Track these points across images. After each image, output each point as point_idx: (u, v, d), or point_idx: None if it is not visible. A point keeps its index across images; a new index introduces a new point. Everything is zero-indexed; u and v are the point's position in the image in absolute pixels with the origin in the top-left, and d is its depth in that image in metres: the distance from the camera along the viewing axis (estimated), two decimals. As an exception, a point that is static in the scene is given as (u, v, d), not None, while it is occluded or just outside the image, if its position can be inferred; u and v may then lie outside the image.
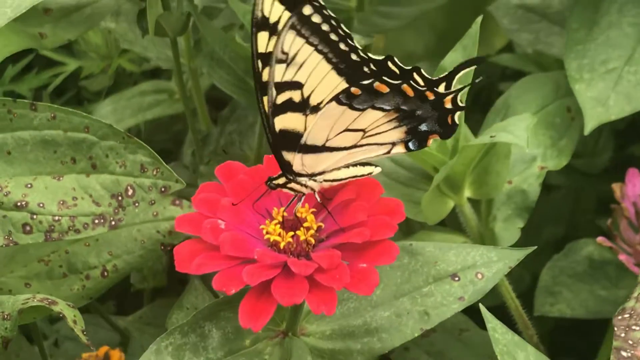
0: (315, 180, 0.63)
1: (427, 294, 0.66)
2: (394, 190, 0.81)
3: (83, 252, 0.81)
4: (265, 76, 0.62)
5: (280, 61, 0.61)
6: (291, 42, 0.61)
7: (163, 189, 0.70)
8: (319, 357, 0.66)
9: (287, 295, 0.58)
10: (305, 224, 0.62)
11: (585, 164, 1.11)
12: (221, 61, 0.91)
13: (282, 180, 0.63)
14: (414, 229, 0.87)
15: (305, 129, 0.62)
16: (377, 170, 0.64)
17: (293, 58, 0.61)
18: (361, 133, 0.62)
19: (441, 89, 0.62)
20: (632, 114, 1.10)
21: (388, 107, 0.62)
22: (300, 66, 0.61)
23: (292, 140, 0.62)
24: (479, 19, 0.77)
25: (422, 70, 0.62)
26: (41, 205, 0.69)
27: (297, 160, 0.63)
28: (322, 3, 0.61)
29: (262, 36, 0.62)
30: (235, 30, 0.97)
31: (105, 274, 0.81)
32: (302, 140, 0.62)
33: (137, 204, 0.70)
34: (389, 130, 0.63)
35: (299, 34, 0.61)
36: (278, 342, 0.66)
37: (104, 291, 0.82)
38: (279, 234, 0.61)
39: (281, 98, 0.62)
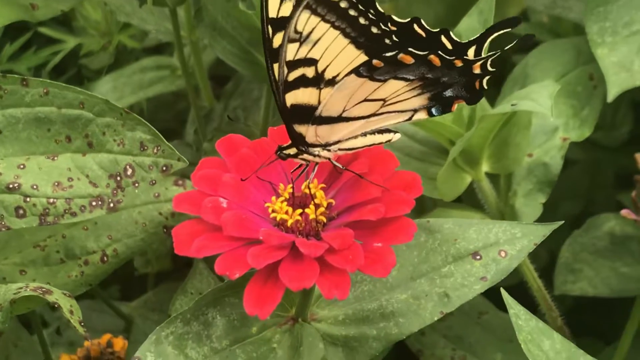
0: (329, 150, 0.60)
1: (446, 275, 0.62)
2: (408, 166, 0.77)
3: (81, 236, 0.78)
4: (276, 43, 0.58)
5: (293, 40, 0.58)
6: (305, 21, 0.58)
7: (164, 168, 0.67)
8: (331, 344, 0.62)
9: (296, 279, 0.54)
10: (314, 201, 0.58)
11: (604, 137, 1.09)
12: (223, 31, 0.87)
13: (293, 151, 0.59)
14: (429, 207, 0.83)
15: (319, 102, 0.59)
16: (397, 136, 0.60)
17: (307, 36, 0.58)
18: (381, 102, 0.59)
19: (470, 53, 0.59)
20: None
21: (412, 77, 0.58)
22: (315, 43, 0.58)
23: (305, 113, 0.59)
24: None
25: (450, 32, 0.59)
26: (35, 187, 0.66)
27: (310, 132, 0.59)
28: None
29: (274, 0, 0.58)
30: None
31: (105, 259, 0.78)
32: (317, 113, 0.59)
33: (137, 185, 0.67)
34: (411, 97, 0.59)
35: (315, 12, 0.57)
36: (287, 329, 0.62)
37: (104, 277, 0.79)
38: (286, 212, 0.57)
39: (293, 75, 0.58)
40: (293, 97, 0.59)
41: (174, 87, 1.07)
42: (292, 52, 0.58)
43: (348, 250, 0.55)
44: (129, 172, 0.67)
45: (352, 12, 0.57)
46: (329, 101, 0.58)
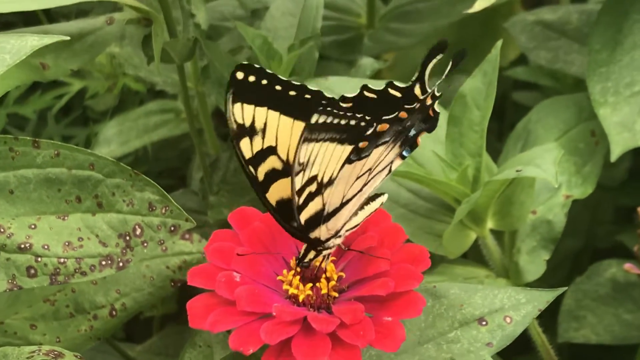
0: (340, 236, 0.60)
1: (453, 340, 0.62)
2: (413, 222, 0.78)
3: (90, 291, 0.79)
4: (260, 176, 0.60)
5: (298, 172, 0.59)
6: (308, 150, 0.59)
7: (172, 228, 0.67)
8: (340, 411, 0.62)
9: (308, 355, 0.55)
10: (325, 275, 0.59)
11: (603, 175, 1.07)
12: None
13: (312, 254, 0.60)
14: (434, 261, 0.84)
15: (324, 204, 0.60)
16: (385, 197, 0.61)
17: (308, 161, 0.59)
18: (368, 172, 0.60)
19: (417, 91, 0.60)
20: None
21: (389, 138, 0.59)
22: (313, 163, 0.59)
23: (315, 220, 0.60)
24: (499, 43, 0.74)
25: (394, 82, 0.60)
26: (46, 247, 0.67)
27: (322, 231, 0.60)
28: (329, 109, 0.58)
29: (245, 143, 0.60)
30: (244, 53, 0.94)
31: (114, 313, 0.79)
32: (325, 212, 0.60)
33: (145, 244, 0.67)
34: (389, 153, 0.60)
35: (311, 140, 0.58)
36: (297, 397, 0.62)
37: (113, 331, 0.79)
38: (297, 287, 0.58)
39: (302, 199, 0.59)
40: (305, 214, 0.60)
41: (178, 131, 1.08)
42: (299, 181, 0.59)
43: (359, 325, 0.55)
44: (138, 231, 0.67)
45: (344, 122, 0.58)
46: (332, 198, 0.59)
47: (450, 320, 0.63)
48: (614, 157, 0.81)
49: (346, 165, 0.59)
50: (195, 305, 0.57)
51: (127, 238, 0.67)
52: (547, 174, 0.69)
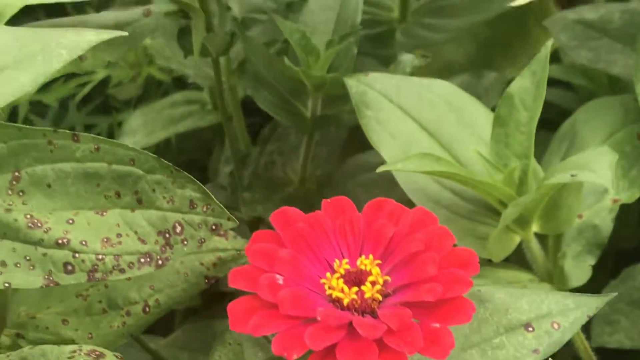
0: None
1: (498, 346, 0.61)
2: (455, 224, 0.76)
3: (123, 286, 0.78)
4: None
5: None
6: None
7: (214, 227, 0.66)
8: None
9: (354, 361, 0.53)
10: (370, 278, 0.57)
11: None
12: (265, 82, 0.87)
13: None
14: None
15: None
16: None
17: None
18: None
19: None
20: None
21: None
22: None
23: None
24: (549, 42, 0.73)
25: None
26: (84, 242, 0.65)
27: None
28: None
29: None
30: (277, 46, 0.92)
31: (147, 309, 0.78)
32: None
33: (185, 242, 0.66)
34: None
35: None
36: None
37: (146, 327, 0.78)
38: (342, 290, 0.57)
39: None
40: None
41: (204, 123, 1.07)
42: None
43: (406, 331, 0.54)
44: (178, 229, 0.66)
45: None
46: None
47: (495, 325, 0.62)
48: (661, 161, 0.80)
49: None
50: (236, 308, 0.56)
51: (167, 235, 0.66)
52: (604, 180, 0.68)
